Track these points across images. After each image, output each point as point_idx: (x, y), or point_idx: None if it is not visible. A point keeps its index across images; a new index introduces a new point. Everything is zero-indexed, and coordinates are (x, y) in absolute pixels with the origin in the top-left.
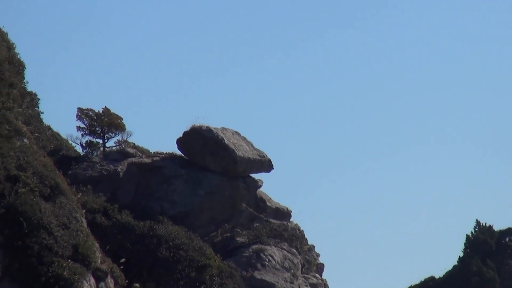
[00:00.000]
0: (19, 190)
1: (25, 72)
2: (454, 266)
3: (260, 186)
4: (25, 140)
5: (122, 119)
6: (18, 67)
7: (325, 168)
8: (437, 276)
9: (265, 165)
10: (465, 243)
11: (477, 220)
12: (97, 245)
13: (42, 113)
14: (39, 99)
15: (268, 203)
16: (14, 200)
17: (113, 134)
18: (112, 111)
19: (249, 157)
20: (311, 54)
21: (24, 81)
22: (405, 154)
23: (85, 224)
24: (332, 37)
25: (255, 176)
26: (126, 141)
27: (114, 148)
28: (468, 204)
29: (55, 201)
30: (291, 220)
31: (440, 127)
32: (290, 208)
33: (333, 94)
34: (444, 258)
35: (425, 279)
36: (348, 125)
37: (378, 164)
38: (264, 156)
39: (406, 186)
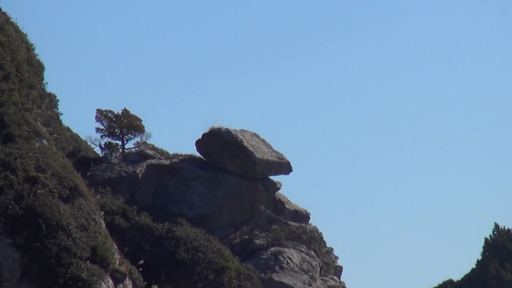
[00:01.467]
0: (38, 191)
1: (44, 73)
2: (473, 269)
3: (279, 188)
4: (44, 142)
5: (141, 120)
6: (38, 68)
7: (344, 170)
8: (455, 279)
9: (284, 167)
10: (483, 246)
11: (495, 223)
12: (116, 246)
13: (61, 114)
14: (58, 101)
15: (286, 205)
16: (33, 201)
17: (132, 136)
18: (131, 112)
19: (268, 159)
20: (330, 54)
21: (44, 82)
22: (425, 156)
23: (103, 225)
24: (347, 37)
25: (274, 178)
26: (145, 142)
27: (133, 149)
28: (487, 207)
29: (74, 202)
30: (309, 222)
31: (461, 128)
32: (308, 210)
33: (353, 95)
34: (463, 261)
35: (443, 282)
36: (368, 127)
37: (398, 166)
38: (283, 158)
39: (425, 189)
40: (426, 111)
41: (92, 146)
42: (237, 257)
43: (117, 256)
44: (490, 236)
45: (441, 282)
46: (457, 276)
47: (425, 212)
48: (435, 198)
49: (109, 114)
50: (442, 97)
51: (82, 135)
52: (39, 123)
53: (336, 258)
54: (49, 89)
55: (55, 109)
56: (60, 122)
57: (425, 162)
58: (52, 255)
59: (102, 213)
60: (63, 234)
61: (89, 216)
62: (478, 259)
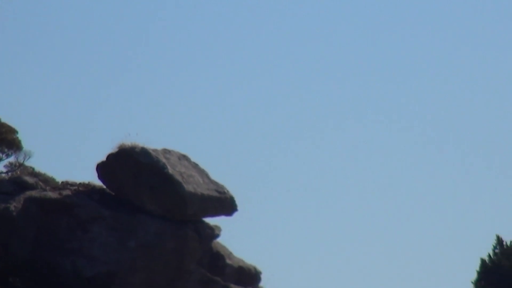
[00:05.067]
0: None
1: None
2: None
3: (218, 235)
4: None
5: (17, 132)
6: None
7: (311, 207)
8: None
9: (226, 205)
10: (479, 271)
11: (498, 237)
12: None
13: None
14: None
15: (228, 261)
16: None
17: (3, 155)
18: (2, 120)
19: (203, 194)
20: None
21: None
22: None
23: None
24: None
25: (211, 221)
26: (22, 165)
27: (4, 175)
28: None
29: None
30: (260, 285)
31: (460, 137)
32: (259, 267)
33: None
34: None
35: None
36: (343, 136)
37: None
38: (224, 193)
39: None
40: (408, 117)
41: None
42: None
43: None
44: (489, 255)
45: None
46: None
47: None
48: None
49: None
50: (445, 101)
51: None
52: None
53: None
54: None
55: None
56: None
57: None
58: None
59: None
60: None
61: None
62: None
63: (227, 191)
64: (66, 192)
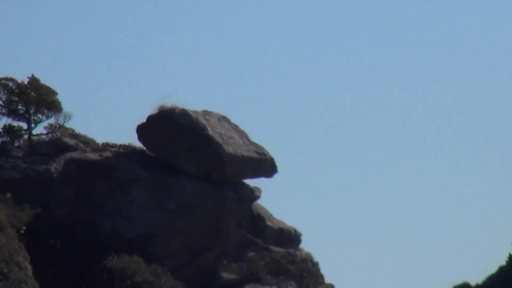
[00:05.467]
0: None
1: None
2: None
3: (258, 197)
4: None
5: (57, 94)
6: None
7: (350, 171)
8: (473, 283)
9: (266, 166)
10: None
11: None
12: None
13: None
14: None
15: (268, 222)
16: None
17: (43, 116)
18: (42, 82)
19: (243, 155)
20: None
21: None
22: (439, 159)
23: (30, 271)
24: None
25: (251, 182)
26: (62, 126)
27: (44, 136)
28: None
29: None
30: (300, 247)
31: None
32: (299, 229)
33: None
34: (482, 262)
35: (454, 287)
36: (376, 115)
37: (412, 170)
38: (264, 154)
39: (443, 192)
40: (433, 115)
41: None
42: None
43: None
44: None
45: (454, 286)
46: (475, 279)
47: (446, 217)
48: (456, 199)
49: (10, 84)
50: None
51: None
52: None
53: None
54: None
55: None
56: None
57: (440, 165)
58: None
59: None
60: None
61: (10, 258)
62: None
63: (267, 152)
64: (106, 154)
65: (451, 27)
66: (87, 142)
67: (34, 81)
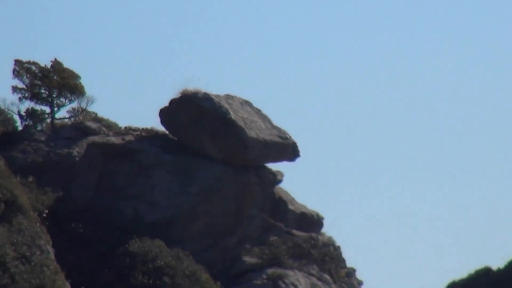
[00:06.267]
0: None
1: None
2: None
3: (280, 181)
4: None
5: (80, 78)
6: None
7: (371, 155)
8: (494, 267)
9: (288, 150)
10: None
11: None
12: (69, 285)
13: None
14: None
15: (290, 206)
16: None
17: (66, 100)
18: (65, 66)
19: (265, 139)
20: None
21: None
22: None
23: (52, 255)
24: None
25: (273, 166)
26: (85, 110)
27: (67, 120)
28: None
29: (11, 222)
30: (322, 231)
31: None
32: (321, 213)
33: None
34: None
35: (476, 271)
36: (403, 97)
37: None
38: (287, 138)
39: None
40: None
41: (8, 113)
42: (218, 283)
43: None
44: None
45: (473, 272)
46: (497, 263)
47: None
48: (479, 183)
49: (33, 68)
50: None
51: None
52: None
53: (360, 283)
54: None
55: None
56: None
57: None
58: None
59: (50, 236)
60: None
61: (32, 242)
62: None
63: (290, 136)
64: (129, 138)
65: (451, 27)
66: (110, 126)
67: (57, 65)
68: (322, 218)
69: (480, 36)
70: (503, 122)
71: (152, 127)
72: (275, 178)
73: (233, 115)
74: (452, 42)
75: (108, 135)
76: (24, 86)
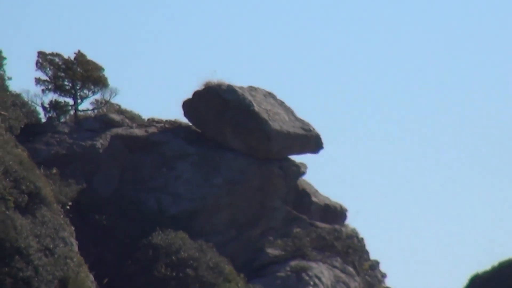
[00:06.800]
0: None
1: None
2: None
3: (303, 173)
4: None
5: (103, 70)
6: None
7: (394, 147)
8: None
9: (311, 142)
10: None
11: None
12: (92, 277)
13: (10, 79)
14: (4, 58)
15: (313, 198)
16: None
17: (89, 92)
18: (88, 57)
19: (289, 131)
20: None
21: None
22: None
23: (76, 247)
24: None
25: (296, 159)
26: (108, 102)
27: (91, 112)
28: None
29: (34, 214)
30: (346, 223)
31: None
32: (345, 205)
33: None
34: None
35: (499, 263)
36: (428, 91)
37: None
38: (310, 130)
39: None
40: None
41: (31, 105)
42: (241, 275)
43: None
44: None
45: (496, 264)
46: None
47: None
48: (504, 176)
49: (56, 59)
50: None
51: (17, 89)
52: None
53: (384, 276)
54: None
55: None
56: (5, 88)
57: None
58: None
59: (73, 228)
60: (21, 261)
61: (56, 234)
62: None
63: (313, 128)
64: (152, 130)
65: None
66: (133, 118)
67: (80, 57)
68: (346, 210)
69: (480, 36)
70: None
71: (175, 119)
72: (299, 170)
73: (256, 107)
74: (453, 42)
75: (131, 127)
76: (47, 78)
